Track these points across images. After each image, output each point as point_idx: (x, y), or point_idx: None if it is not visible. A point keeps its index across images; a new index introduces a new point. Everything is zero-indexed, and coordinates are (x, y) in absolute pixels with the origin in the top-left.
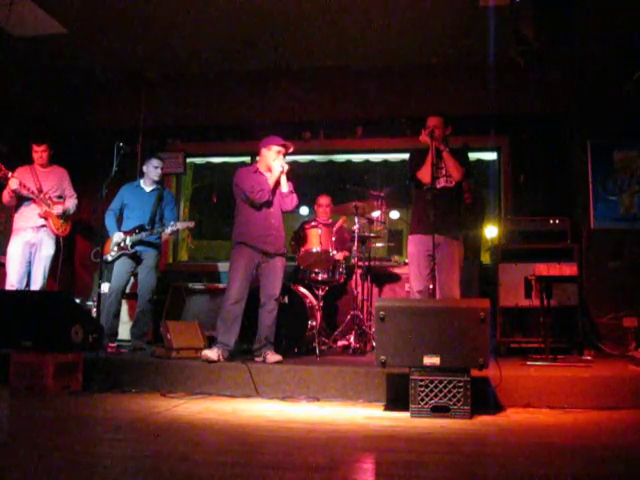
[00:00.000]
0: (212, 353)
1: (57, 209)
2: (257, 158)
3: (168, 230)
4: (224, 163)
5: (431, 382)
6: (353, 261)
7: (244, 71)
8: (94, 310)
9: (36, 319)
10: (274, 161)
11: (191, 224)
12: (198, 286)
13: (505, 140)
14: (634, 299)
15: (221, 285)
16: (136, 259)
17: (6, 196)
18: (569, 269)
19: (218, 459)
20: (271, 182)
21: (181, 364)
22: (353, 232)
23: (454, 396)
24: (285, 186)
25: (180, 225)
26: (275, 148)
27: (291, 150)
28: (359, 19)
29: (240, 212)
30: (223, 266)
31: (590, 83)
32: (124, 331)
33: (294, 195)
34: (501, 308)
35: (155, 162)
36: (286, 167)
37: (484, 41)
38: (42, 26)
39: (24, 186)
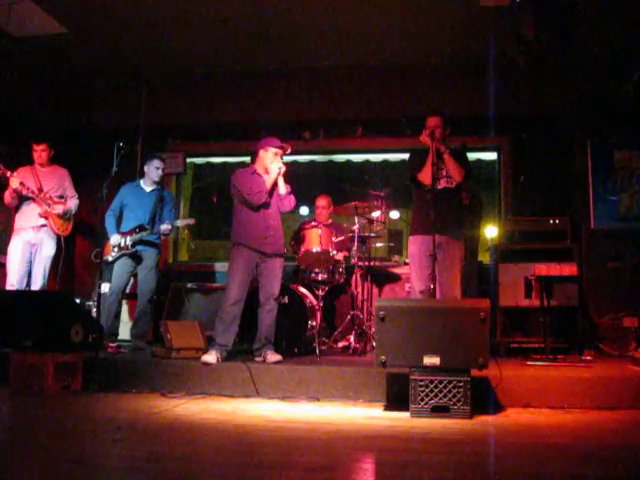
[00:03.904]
0: (210, 357)
1: (58, 209)
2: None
3: (163, 227)
4: (224, 163)
5: (431, 382)
6: (353, 261)
7: (244, 71)
8: (94, 310)
9: (36, 319)
10: (271, 163)
11: (191, 221)
12: (198, 286)
13: (505, 140)
14: (634, 299)
15: (221, 285)
16: (136, 259)
17: (7, 197)
18: (569, 269)
19: (218, 459)
20: (268, 184)
21: (181, 364)
22: (353, 232)
23: (454, 396)
24: (283, 188)
25: (180, 222)
26: (272, 150)
27: (289, 151)
28: (359, 19)
29: (238, 213)
30: (223, 266)
31: (590, 83)
32: (124, 331)
33: (292, 196)
34: (501, 308)
35: (156, 163)
36: (283, 169)
37: (484, 41)
38: (42, 26)
39: (24, 186)
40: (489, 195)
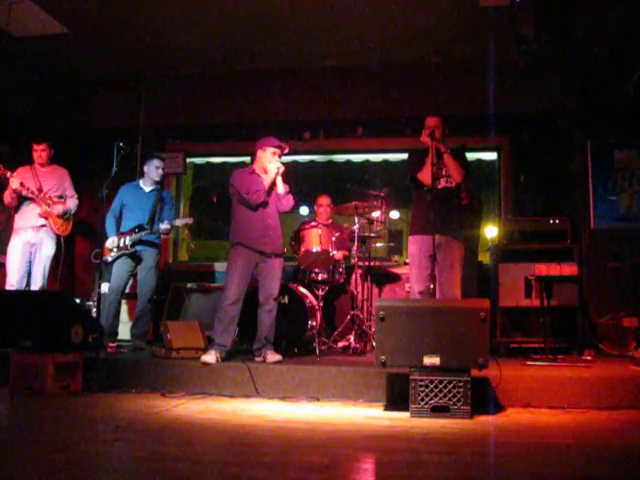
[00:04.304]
0: (210, 357)
1: (57, 209)
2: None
3: (162, 226)
4: (224, 163)
5: (431, 382)
6: (353, 261)
7: (244, 71)
8: (94, 310)
9: (36, 319)
10: (270, 163)
11: (190, 220)
12: (198, 286)
13: (505, 140)
14: (634, 299)
15: (221, 285)
16: (136, 259)
17: (7, 197)
18: (569, 269)
19: (218, 459)
20: (267, 183)
21: (181, 364)
22: (353, 232)
23: (454, 396)
24: (281, 187)
25: (179, 221)
26: (270, 149)
27: (286, 151)
28: (359, 19)
29: (236, 213)
30: (223, 266)
31: (590, 83)
32: (124, 331)
33: (290, 196)
34: (501, 308)
35: (156, 162)
36: (282, 168)
37: (484, 41)
38: (42, 26)
39: (24, 186)
40: (489, 195)
